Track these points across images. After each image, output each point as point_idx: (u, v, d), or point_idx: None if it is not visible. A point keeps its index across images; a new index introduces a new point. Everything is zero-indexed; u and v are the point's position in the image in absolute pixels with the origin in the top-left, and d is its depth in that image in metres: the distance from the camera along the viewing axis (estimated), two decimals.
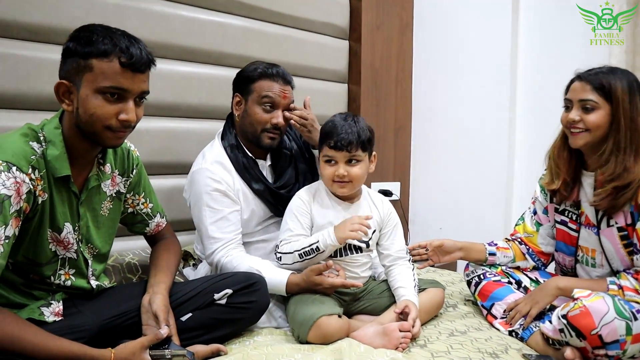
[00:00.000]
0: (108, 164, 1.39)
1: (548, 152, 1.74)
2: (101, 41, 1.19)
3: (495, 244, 1.85)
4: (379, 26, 2.94)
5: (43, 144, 1.22)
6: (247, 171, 1.81)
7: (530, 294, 1.65)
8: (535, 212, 1.83)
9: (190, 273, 1.94)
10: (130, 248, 1.92)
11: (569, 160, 1.68)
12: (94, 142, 1.27)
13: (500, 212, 2.78)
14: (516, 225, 1.89)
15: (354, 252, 1.69)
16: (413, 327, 1.49)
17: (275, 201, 1.85)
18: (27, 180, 1.15)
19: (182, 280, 1.71)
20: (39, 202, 1.20)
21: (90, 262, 1.38)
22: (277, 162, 1.92)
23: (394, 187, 3.03)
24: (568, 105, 1.63)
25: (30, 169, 1.16)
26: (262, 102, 1.79)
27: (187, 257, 2.07)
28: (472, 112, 2.90)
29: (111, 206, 1.43)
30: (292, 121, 1.86)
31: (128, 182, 1.48)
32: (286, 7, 2.54)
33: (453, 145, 3.00)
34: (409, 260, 1.72)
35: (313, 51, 2.66)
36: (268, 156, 1.92)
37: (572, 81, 1.64)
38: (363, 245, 1.68)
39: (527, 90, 2.74)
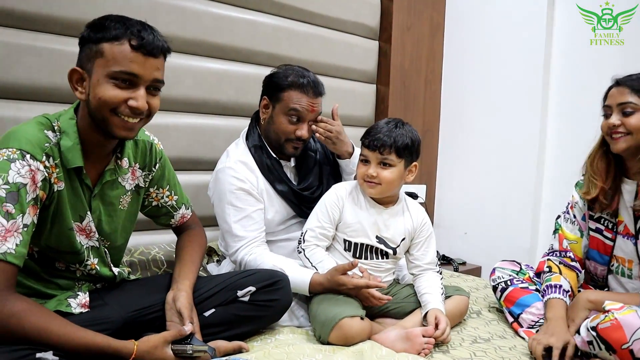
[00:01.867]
0: (125, 159, 1.37)
1: (586, 161, 1.70)
2: (113, 26, 1.18)
3: (566, 291, 1.62)
4: (410, 27, 2.92)
5: (57, 133, 1.22)
6: (270, 172, 1.81)
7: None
8: (575, 218, 1.75)
9: (214, 269, 1.95)
10: (156, 242, 1.94)
11: (607, 168, 1.64)
12: (105, 133, 1.22)
13: (528, 218, 2.73)
14: (555, 231, 1.80)
15: (380, 257, 1.68)
16: (442, 334, 1.47)
17: (299, 202, 1.85)
18: (41, 167, 1.15)
19: (206, 275, 1.71)
20: (55, 189, 1.20)
21: (107, 252, 1.39)
22: (302, 163, 1.91)
23: (420, 189, 3.00)
24: (607, 113, 1.59)
25: (44, 157, 1.17)
26: (289, 114, 1.77)
27: (211, 253, 2.08)
28: (502, 116, 2.86)
29: (130, 200, 1.42)
30: (316, 134, 1.84)
31: (150, 177, 1.47)
32: (317, 6, 2.53)
33: (481, 149, 2.96)
34: (438, 272, 1.70)
35: (342, 51, 2.65)
36: (292, 158, 1.91)
37: (609, 88, 1.60)
38: (390, 252, 1.67)
39: (560, 95, 2.69)
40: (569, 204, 1.78)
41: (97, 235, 1.33)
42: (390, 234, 1.67)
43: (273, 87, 1.81)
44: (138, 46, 1.17)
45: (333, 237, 1.69)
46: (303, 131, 1.79)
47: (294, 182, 1.87)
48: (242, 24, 2.27)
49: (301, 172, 1.90)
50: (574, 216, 1.76)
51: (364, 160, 1.64)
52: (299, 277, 1.59)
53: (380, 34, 2.86)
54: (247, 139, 1.86)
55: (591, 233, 1.71)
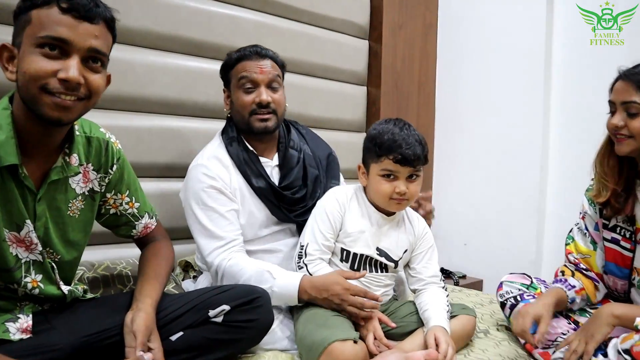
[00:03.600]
0: (75, 155, 1.17)
1: (594, 160, 1.53)
2: None
3: (572, 286, 1.52)
4: (401, 26, 2.76)
5: None
6: (247, 165, 1.64)
7: (583, 327, 1.38)
8: (587, 229, 1.59)
9: (190, 286, 1.75)
10: (125, 256, 1.74)
11: (618, 168, 1.47)
12: (38, 117, 1.02)
13: (532, 228, 2.58)
14: (566, 244, 1.64)
15: (379, 270, 1.51)
16: (445, 359, 1.28)
17: (279, 202, 1.65)
18: None
19: (177, 292, 1.51)
20: None
21: (55, 267, 1.18)
22: (284, 161, 1.73)
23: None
24: (612, 110, 1.42)
25: None
26: (239, 84, 1.65)
27: (188, 268, 1.89)
28: (502, 120, 2.73)
29: (82, 206, 1.22)
30: (420, 210, 1.67)
31: (107, 180, 1.27)
32: (303, 3, 2.38)
33: (480, 155, 2.82)
34: (443, 287, 1.53)
35: (331, 50, 2.49)
36: (275, 156, 1.73)
37: (615, 80, 1.43)
38: (391, 264, 1.50)
39: (563, 96, 2.56)
40: (580, 213, 1.61)
41: (40, 248, 1.13)
42: (392, 246, 1.51)
43: (224, 73, 1.73)
44: (68, 8, 0.99)
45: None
46: (262, 96, 1.62)
47: (275, 181, 1.69)
48: (222, 19, 2.10)
49: (283, 170, 1.72)
50: (586, 227, 1.59)
51: (389, 176, 1.45)
52: (288, 280, 1.42)
53: (371, 33, 2.70)
54: (222, 133, 1.72)
55: (606, 244, 1.53)
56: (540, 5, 2.57)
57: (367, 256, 1.49)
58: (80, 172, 1.20)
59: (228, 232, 1.55)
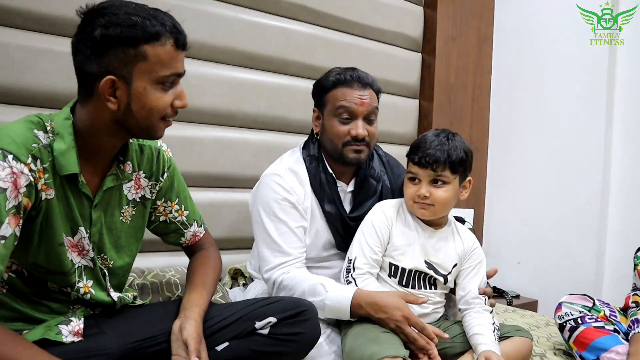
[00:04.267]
0: (129, 163, 1.20)
1: None
2: (148, 23, 1.02)
3: None
4: (455, 38, 2.71)
5: (50, 135, 1.06)
6: (322, 188, 1.59)
7: None
8: None
9: (238, 294, 1.75)
10: (174, 264, 1.76)
11: None
12: (140, 137, 1.14)
13: (591, 247, 2.44)
14: (636, 265, 1.52)
15: (429, 287, 1.46)
16: None
17: (344, 232, 1.60)
18: (25, 170, 0.99)
19: (224, 302, 1.51)
20: (43, 198, 1.04)
21: (106, 273, 1.20)
22: (360, 189, 1.66)
23: (467, 214, 2.73)
24: None
25: (30, 158, 1.00)
26: (337, 113, 1.55)
27: (237, 276, 1.89)
28: (560, 133, 2.62)
29: (134, 213, 1.24)
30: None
31: (157, 187, 1.29)
32: (355, 15, 2.37)
33: (535, 169, 2.71)
34: (487, 306, 1.46)
35: (382, 63, 2.47)
36: (352, 182, 1.67)
37: None
38: (440, 279, 1.45)
39: (626, 107, 2.43)
40: None
41: (92, 254, 1.15)
42: (441, 259, 1.46)
43: (318, 93, 1.63)
44: (181, 45, 1.07)
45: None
46: (358, 129, 1.54)
47: (345, 208, 1.64)
48: (275, 31, 2.12)
49: (357, 199, 1.65)
50: None
51: (413, 179, 1.44)
52: (342, 292, 1.38)
53: (424, 46, 2.67)
54: (303, 148, 1.66)
55: None
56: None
57: (416, 271, 1.45)
58: (132, 179, 1.23)
59: (295, 248, 1.52)
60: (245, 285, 1.83)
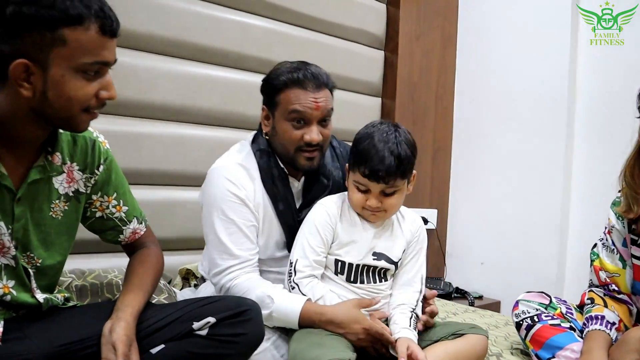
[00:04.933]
0: (58, 154, 1.12)
1: (622, 172, 1.41)
2: (69, 4, 0.93)
3: (611, 323, 1.36)
4: (419, 37, 2.69)
5: None
6: (274, 185, 1.50)
7: (609, 353, 1.27)
8: (614, 245, 1.45)
9: (188, 295, 1.66)
10: (119, 266, 1.67)
11: None
12: (60, 127, 1.05)
13: (554, 246, 2.45)
14: (592, 261, 1.50)
15: (379, 280, 1.40)
16: None
17: (297, 228, 1.51)
18: None
19: (166, 302, 1.43)
20: None
21: (31, 273, 1.12)
22: (311, 186, 1.57)
23: (430, 214, 2.71)
24: None
25: None
26: (290, 117, 1.44)
27: (189, 277, 1.81)
28: (523, 133, 2.62)
29: (66, 208, 1.16)
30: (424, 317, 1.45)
31: (93, 181, 1.21)
32: (316, 10, 2.33)
33: (499, 169, 2.71)
34: (419, 291, 1.42)
35: (344, 60, 2.43)
36: (303, 178, 1.58)
37: None
38: (391, 267, 1.40)
39: (588, 109, 2.45)
40: (605, 228, 1.48)
41: (14, 252, 1.06)
42: (390, 246, 1.41)
43: (268, 92, 1.51)
44: (109, 30, 0.97)
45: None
46: (312, 134, 1.43)
47: (297, 206, 1.56)
48: (230, 25, 2.07)
49: (307, 196, 1.56)
50: (613, 243, 1.45)
51: (360, 189, 1.35)
52: (289, 304, 1.32)
53: (386, 44, 2.64)
54: (253, 142, 1.56)
55: (634, 261, 1.40)
56: (564, 12, 2.48)
57: (364, 265, 1.39)
58: (64, 172, 1.14)
59: (244, 250, 1.43)
60: (196, 286, 1.75)
